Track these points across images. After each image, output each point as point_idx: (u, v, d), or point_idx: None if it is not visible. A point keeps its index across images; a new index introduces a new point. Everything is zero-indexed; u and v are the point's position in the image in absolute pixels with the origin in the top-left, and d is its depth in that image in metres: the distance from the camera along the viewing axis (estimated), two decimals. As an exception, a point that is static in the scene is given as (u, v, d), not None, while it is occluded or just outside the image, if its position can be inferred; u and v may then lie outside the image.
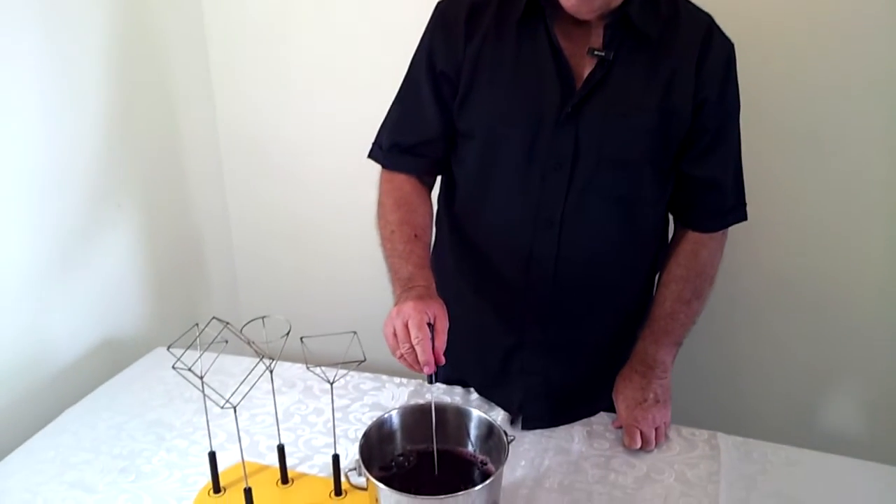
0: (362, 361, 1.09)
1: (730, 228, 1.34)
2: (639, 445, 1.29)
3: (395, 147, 1.33)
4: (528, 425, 1.35)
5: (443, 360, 1.08)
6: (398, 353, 1.10)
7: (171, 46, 1.84)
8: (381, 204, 1.34)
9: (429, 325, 1.08)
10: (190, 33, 1.91)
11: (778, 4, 1.53)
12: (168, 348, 1.07)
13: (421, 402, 1.40)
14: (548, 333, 1.32)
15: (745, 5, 1.53)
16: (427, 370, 1.06)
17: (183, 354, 1.06)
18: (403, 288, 1.18)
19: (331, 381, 1.12)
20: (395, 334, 1.10)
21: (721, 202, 1.29)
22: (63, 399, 1.47)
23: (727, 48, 1.21)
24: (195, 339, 1.08)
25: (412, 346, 1.07)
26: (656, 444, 1.30)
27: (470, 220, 1.33)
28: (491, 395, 1.42)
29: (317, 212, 2.04)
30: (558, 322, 1.31)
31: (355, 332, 1.15)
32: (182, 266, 1.98)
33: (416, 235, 1.27)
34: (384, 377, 1.52)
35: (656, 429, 1.31)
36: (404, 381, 1.51)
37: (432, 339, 1.08)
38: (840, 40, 1.52)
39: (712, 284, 1.35)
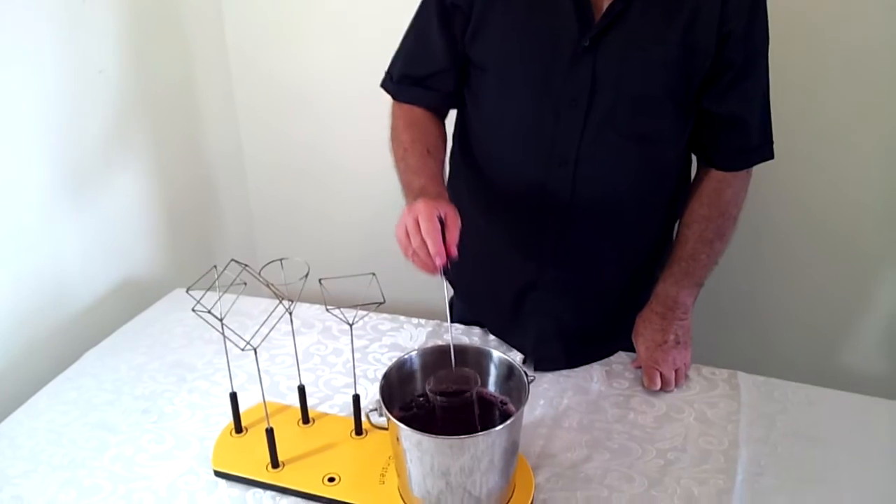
0: (381, 303, 1.08)
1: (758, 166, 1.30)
2: (658, 387, 1.29)
3: (405, 78, 1.31)
4: (541, 366, 1.35)
5: (455, 253, 1.06)
6: (410, 251, 1.08)
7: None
8: (393, 128, 1.32)
9: (440, 220, 1.06)
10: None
11: None
12: (187, 290, 1.06)
13: (440, 342, 1.41)
14: (560, 273, 1.31)
15: None
16: (439, 261, 1.04)
17: (202, 297, 1.05)
18: (415, 196, 1.15)
19: (350, 322, 1.11)
20: (406, 234, 1.08)
21: (745, 140, 1.25)
22: (83, 341, 1.48)
23: None
24: (214, 282, 1.08)
25: (423, 241, 1.05)
26: (676, 385, 1.30)
27: (484, 156, 1.31)
28: (504, 336, 1.42)
29: (332, 147, 2.02)
30: (571, 261, 1.30)
31: (374, 274, 1.14)
32: (198, 206, 1.97)
33: (428, 151, 1.25)
34: (402, 318, 1.52)
35: (676, 370, 1.30)
36: (422, 321, 1.51)
37: (443, 234, 1.06)
38: None
39: (735, 224, 1.32)
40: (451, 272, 1.08)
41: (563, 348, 1.36)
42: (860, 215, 1.66)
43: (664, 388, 1.30)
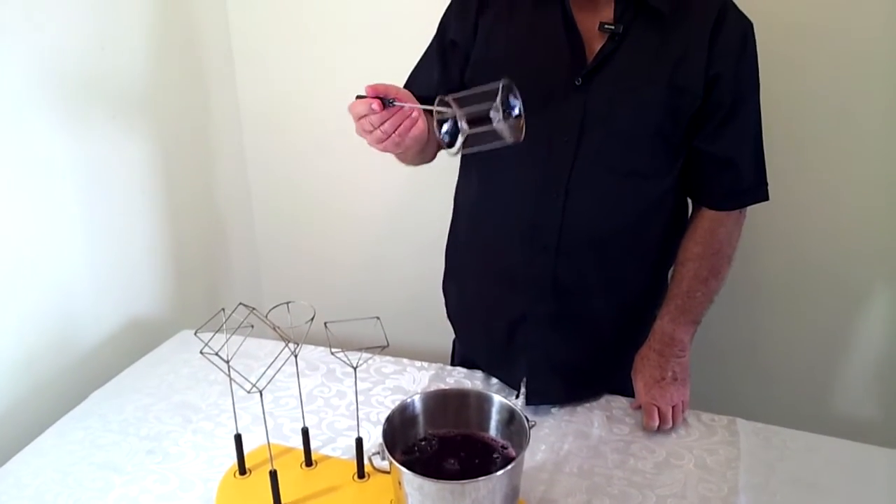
0: (385, 347, 1.10)
1: (754, 206, 1.33)
2: (657, 423, 1.30)
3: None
4: (533, 400, 1.35)
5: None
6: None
7: (197, 29, 1.86)
8: None
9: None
10: (214, 14, 1.92)
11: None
12: (195, 333, 1.08)
13: (443, 386, 1.42)
14: (552, 307, 1.32)
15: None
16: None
17: (210, 339, 1.07)
18: None
19: (354, 365, 1.13)
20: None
21: (737, 181, 1.28)
22: (90, 381, 1.50)
23: (743, 25, 1.21)
24: (222, 325, 1.10)
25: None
26: (674, 423, 1.31)
27: (479, 190, 1.35)
28: (497, 371, 1.44)
29: (338, 194, 2.05)
30: (562, 295, 1.31)
31: (378, 318, 1.16)
32: (207, 249, 2.00)
33: None
34: (405, 361, 1.54)
35: (673, 407, 1.31)
36: (425, 365, 1.53)
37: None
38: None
39: (730, 263, 1.34)
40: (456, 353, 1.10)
41: (555, 383, 1.37)
42: (857, 264, 1.68)
43: (662, 424, 1.30)
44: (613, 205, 1.26)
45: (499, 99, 1.02)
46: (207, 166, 1.97)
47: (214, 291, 2.04)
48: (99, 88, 1.55)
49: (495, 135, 1.05)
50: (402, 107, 1.07)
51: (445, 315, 1.55)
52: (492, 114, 1.04)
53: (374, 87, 1.05)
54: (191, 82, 1.86)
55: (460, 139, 1.04)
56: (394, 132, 1.08)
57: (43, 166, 1.44)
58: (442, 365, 1.52)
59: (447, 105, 1.04)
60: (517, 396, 1.35)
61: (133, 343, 1.67)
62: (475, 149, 1.06)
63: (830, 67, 1.55)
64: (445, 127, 1.07)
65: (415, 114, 1.08)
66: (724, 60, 1.19)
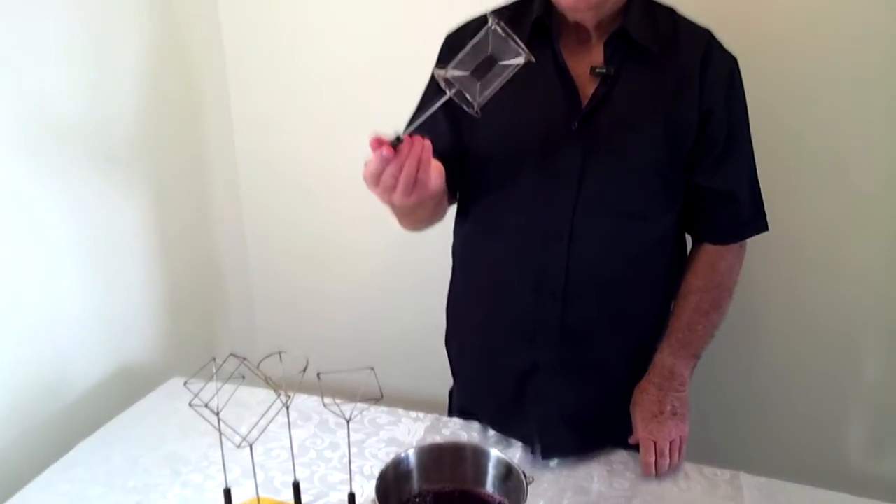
0: (379, 399, 1.08)
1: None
2: (653, 459, 1.28)
3: None
4: (548, 454, 1.33)
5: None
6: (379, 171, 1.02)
7: (193, 71, 1.87)
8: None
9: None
10: (209, 49, 1.93)
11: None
12: (185, 384, 1.06)
13: (439, 438, 1.39)
14: (561, 355, 1.30)
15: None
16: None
17: (200, 391, 1.05)
18: None
19: (347, 418, 1.10)
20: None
21: (736, 214, 1.30)
22: (78, 429, 1.46)
23: (729, 62, 1.23)
24: (213, 376, 1.07)
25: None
26: (671, 458, 1.29)
27: (482, 241, 1.34)
28: (506, 427, 1.41)
29: (334, 232, 2.04)
30: (571, 341, 1.29)
31: (372, 368, 1.14)
32: (199, 294, 1.98)
33: None
34: (400, 411, 1.51)
35: (671, 443, 1.29)
36: (420, 415, 1.49)
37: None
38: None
39: (731, 297, 1.34)
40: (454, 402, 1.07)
41: (569, 434, 1.35)
42: (857, 313, 1.66)
43: (659, 459, 1.28)
44: (618, 246, 1.26)
45: (489, 45, 0.97)
46: (202, 210, 1.96)
47: (207, 338, 2.01)
48: (92, 132, 1.55)
49: (505, 69, 0.98)
50: (412, 139, 0.99)
51: (441, 364, 1.53)
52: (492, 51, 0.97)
53: (376, 138, 0.99)
54: (186, 127, 1.86)
55: (480, 91, 0.98)
56: (400, 174, 1.00)
57: (32, 210, 1.43)
58: (438, 416, 1.49)
59: (454, 81, 0.99)
60: (532, 451, 1.33)
61: (122, 390, 1.64)
62: (494, 88, 0.99)
63: (828, 118, 1.55)
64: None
65: (425, 152, 1.01)
66: (715, 95, 1.20)
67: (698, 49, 1.21)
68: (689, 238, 1.39)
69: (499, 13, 1.28)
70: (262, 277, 2.16)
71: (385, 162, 0.99)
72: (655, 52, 1.19)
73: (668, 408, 1.31)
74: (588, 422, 1.36)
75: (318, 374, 1.09)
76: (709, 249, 1.33)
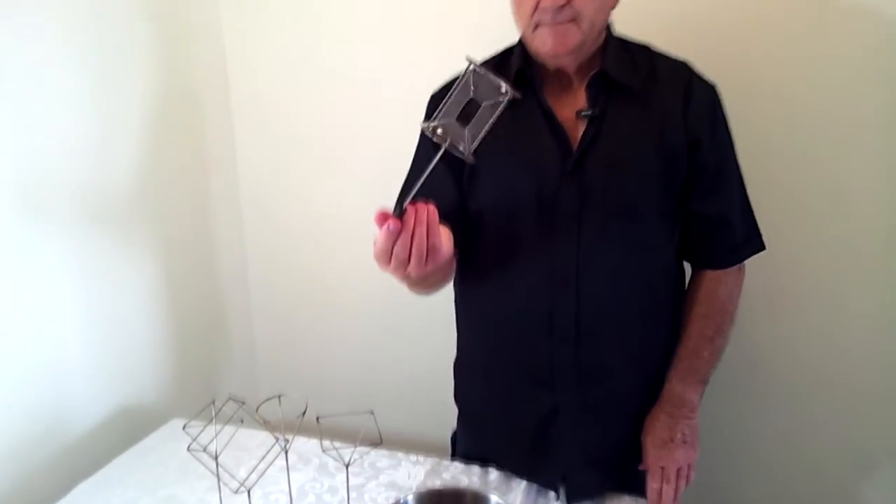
0: (378, 444, 1.07)
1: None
2: (659, 486, 1.30)
3: None
4: (574, 498, 1.33)
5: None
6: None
7: (199, 109, 1.89)
8: None
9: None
10: (215, 95, 1.95)
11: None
12: (184, 427, 1.06)
13: (439, 482, 1.38)
14: (581, 395, 1.30)
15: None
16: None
17: (199, 435, 1.05)
18: None
19: (347, 462, 1.10)
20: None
21: (732, 237, 1.32)
22: (78, 470, 1.46)
23: (709, 90, 1.27)
24: (212, 419, 1.07)
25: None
26: (678, 485, 1.30)
27: (488, 294, 1.34)
28: (529, 474, 1.39)
29: (336, 275, 2.04)
30: (589, 381, 1.30)
31: (372, 412, 1.14)
32: (200, 336, 1.97)
33: None
34: (400, 455, 1.49)
35: (678, 469, 1.30)
36: (420, 458, 1.48)
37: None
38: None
39: (733, 321, 1.36)
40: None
41: (592, 474, 1.35)
42: (858, 364, 1.64)
43: (664, 483, 1.29)
44: (625, 280, 1.27)
45: (471, 88, 0.95)
46: (205, 252, 1.96)
47: (209, 378, 2.01)
48: (95, 178, 1.57)
49: (491, 110, 0.96)
50: (417, 206, 0.96)
51: (441, 406, 1.52)
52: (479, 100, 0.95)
53: (381, 213, 0.95)
54: (190, 170, 1.88)
55: (469, 136, 0.96)
56: (412, 245, 0.97)
57: (34, 250, 1.43)
58: (438, 459, 1.48)
59: (443, 131, 0.97)
60: (557, 497, 1.33)
61: (123, 431, 1.63)
62: (484, 131, 0.97)
63: (828, 150, 1.56)
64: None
65: (432, 216, 0.98)
66: (700, 125, 1.24)
67: (678, 82, 1.25)
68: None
69: (483, 66, 1.32)
70: (264, 319, 2.16)
71: (394, 235, 0.96)
72: (637, 90, 1.22)
73: (679, 435, 1.31)
74: (611, 459, 1.36)
75: (318, 418, 1.09)
76: (708, 276, 1.35)
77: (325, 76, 1.88)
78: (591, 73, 1.22)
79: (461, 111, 0.96)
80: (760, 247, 1.35)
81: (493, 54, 1.32)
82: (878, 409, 1.65)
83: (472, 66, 0.94)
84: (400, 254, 0.97)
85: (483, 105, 0.95)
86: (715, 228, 1.31)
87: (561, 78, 1.26)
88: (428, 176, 1.16)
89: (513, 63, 1.26)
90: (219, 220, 1.99)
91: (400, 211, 0.95)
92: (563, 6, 1.13)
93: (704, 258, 1.35)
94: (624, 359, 1.31)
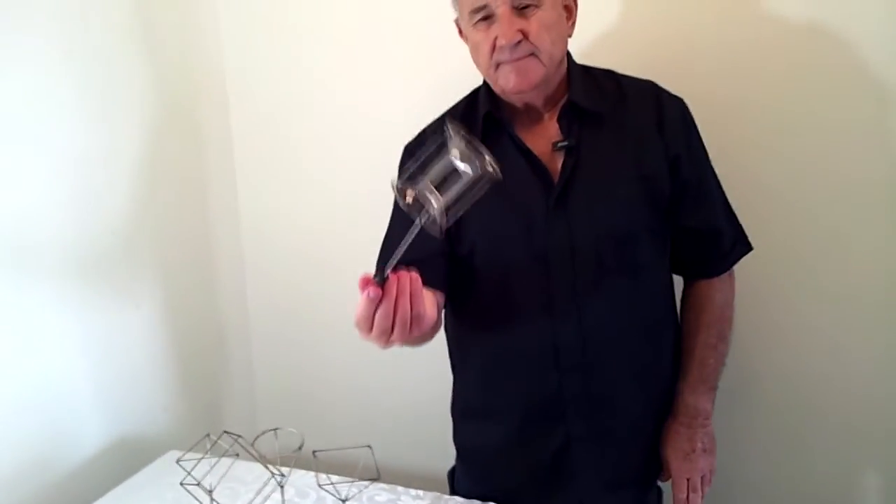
0: (376, 479, 1.06)
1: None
2: (685, 496, 1.35)
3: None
4: None
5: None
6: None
7: (199, 136, 1.89)
8: None
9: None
10: (215, 120, 1.95)
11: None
12: (178, 461, 1.04)
13: (437, 518, 1.36)
14: (593, 423, 1.30)
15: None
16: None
17: (193, 468, 1.03)
18: None
19: (343, 498, 1.08)
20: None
21: (722, 244, 1.34)
22: (72, 503, 1.44)
23: (679, 106, 1.29)
24: (206, 452, 1.06)
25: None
26: (702, 492, 1.36)
27: (487, 334, 1.34)
28: None
29: (337, 305, 2.00)
30: (600, 408, 1.30)
31: (370, 446, 1.12)
32: (199, 363, 1.95)
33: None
34: (399, 489, 1.46)
35: (702, 477, 1.35)
36: (420, 493, 1.45)
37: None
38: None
39: (732, 325, 1.39)
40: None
41: (611, 499, 1.35)
42: (860, 403, 1.60)
43: (691, 493, 1.34)
44: (625, 304, 1.27)
45: (454, 151, 0.90)
46: (203, 281, 1.95)
47: (207, 409, 1.98)
48: (96, 203, 1.56)
49: (474, 185, 0.91)
50: (399, 274, 0.93)
51: (441, 438, 1.50)
52: (457, 164, 0.90)
53: (364, 278, 0.93)
54: (190, 199, 1.88)
55: (438, 212, 0.90)
56: (395, 314, 0.94)
57: (28, 279, 1.42)
58: (438, 494, 1.45)
59: (413, 199, 0.92)
60: None
61: (119, 462, 1.60)
62: (460, 210, 0.93)
63: (828, 201, 1.54)
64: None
65: (415, 284, 0.95)
66: (676, 141, 1.26)
67: (648, 101, 1.27)
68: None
69: (451, 113, 1.34)
70: (263, 348, 2.13)
71: (374, 303, 0.93)
72: (607, 115, 1.24)
73: (699, 445, 1.34)
74: (629, 481, 1.37)
75: (314, 453, 1.08)
76: (703, 285, 1.37)
77: (327, 97, 1.88)
78: (560, 104, 1.25)
79: (436, 176, 0.91)
80: (749, 247, 1.37)
81: (459, 101, 1.35)
82: (872, 411, 1.61)
83: (450, 131, 0.91)
84: (382, 323, 0.94)
85: (462, 179, 0.90)
86: (705, 239, 1.33)
87: (530, 112, 1.27)
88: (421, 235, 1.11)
89: (479, 106, 1.28)
90: (218, 247, 1.98)
91: (382, 277, 0.91)
92: (519, 42, 1.16)
93: (698, 269, 1.38)
94: (632, 380, 1.32)
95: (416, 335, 0.99)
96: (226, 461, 1.07)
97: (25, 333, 1.42)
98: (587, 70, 1.31)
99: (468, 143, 0.91)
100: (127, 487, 1.49)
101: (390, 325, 0.94)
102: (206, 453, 1.05)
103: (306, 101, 1.90)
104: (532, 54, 1.17)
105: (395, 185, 0.94)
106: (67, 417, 1.52)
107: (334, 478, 1.23)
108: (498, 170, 0.90)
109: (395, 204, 1.32)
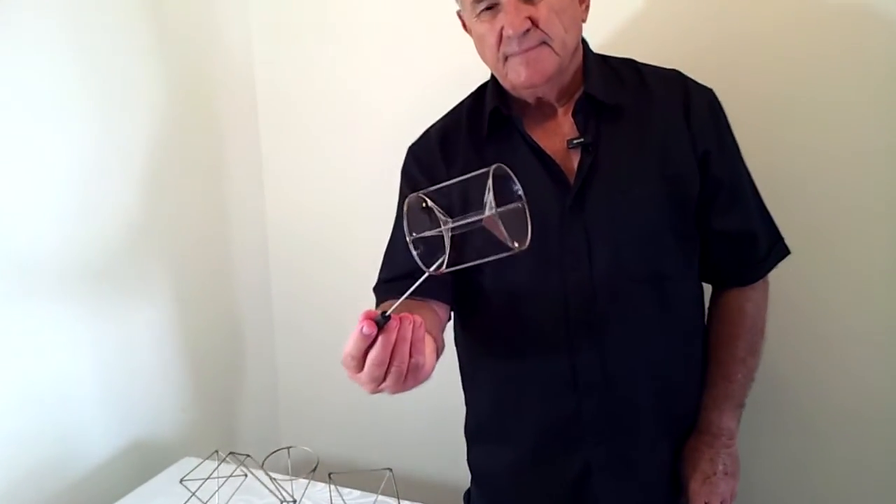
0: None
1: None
2: None
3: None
4: None
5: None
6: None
7: (224, 129, 1.83)
8: None
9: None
10: (242, 113, 1.89)
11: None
12: (181, 481, 0.96)
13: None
14: (613, 447, 1.19)
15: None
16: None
17: (198, 489, 0.95)
18: None
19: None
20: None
21: (757, 249, 1.22)
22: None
23: (708, 96, 1.18)
24: (212, 473, 0.98)
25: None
26: None
27: (501, 352, 1.24)
28: None
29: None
30: (621, 430, 1.19)
31: (390, 469, 1.04)
32: (219, 370, 1.87)
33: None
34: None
35: (722, 501, 1.23)
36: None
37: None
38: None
39: (764, 337, 1.26)
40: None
41: None
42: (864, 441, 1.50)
43: None
44: (649, 316, 1.16)
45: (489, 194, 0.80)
46: (223, 276, 1.88)
47: (226, 412, 1.90)
48: (111, 200, 1.50)
49: (490, 242, 0.82)
50: (402, 318, 0.82)
51: (455, 461, 1.41)
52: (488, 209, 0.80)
53: (367, 312, 0.83)
54: (210, 196, 1.81)
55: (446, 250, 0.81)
56: (389, 361, 0.83)
57: (42, 279, 1.37)
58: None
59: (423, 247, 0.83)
60: None
61: (133, 468, 1.55)
62: (464, 265, 0.84)
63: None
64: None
65: (418, 331, 0.85)
66: (705, 135, 1.15)
67: (674, 92, 1.16)
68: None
69: (458, 111, 1.26)
70: (287, 349, 2.06)
71: (367, 340, 0.82)
72: (628, 107, 1.14)
73: (720, 467, 1.23)
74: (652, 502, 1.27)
75: (330, 475, 0.99)
76: (733, 295, 1.25)
77: (355, 90, 1.81)
78: (576, 97, 1.14)
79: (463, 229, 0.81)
80: (784, 252, 1.24)
81: (465, 97, 1.26)
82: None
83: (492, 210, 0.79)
84: (374, 371, 0.83)
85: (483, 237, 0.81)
86: (739, 244, 1.21)
87: (543, 108, 1.17)
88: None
89: (487, 102, 1.19)
90: (237, 241, 1.91)
91: (383, 317, 0.80)
92: (528, 30, 1.05)
93: (730, 277, 1.25)
94: (655, 399, 1.20)
95: (412, 385, 0.88)
96: (235, 480, 0.99)
97: (35, 334, 1.36)
98: (605, 59, 1.20)
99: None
100: (138, 496, 1.44)
101: (383, 374, 0.84)
102: (213, 473, 0.98)
103: (334, 96, 1.84)
104: (543, 43, 1.06)
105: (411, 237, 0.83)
106: (78, 421, 1.46)
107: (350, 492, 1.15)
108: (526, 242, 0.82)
109: (399, 206, 1.25)
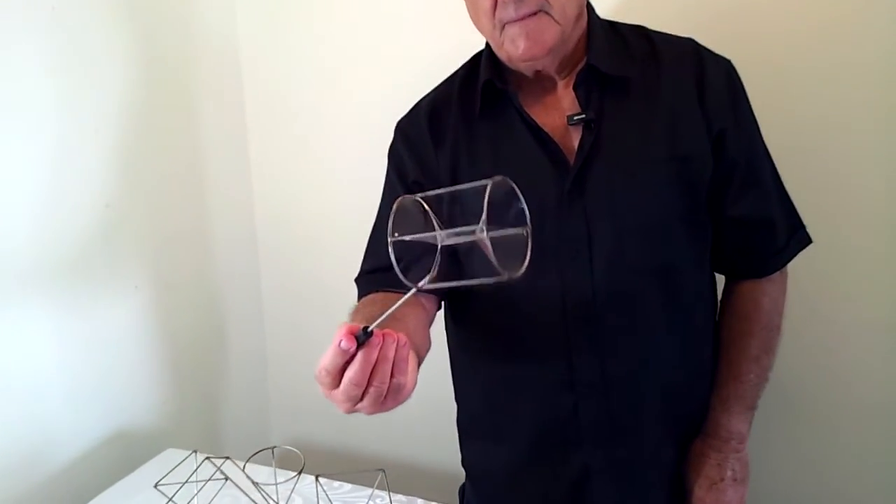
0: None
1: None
2: None
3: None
4: None
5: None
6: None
7: (207, 115, 1.75)
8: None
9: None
10: (227, 97, 1.82)
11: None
12: (156, 486, 0.89)
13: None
14: (613, 451, 1.11)
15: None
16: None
17: (175, 494, 0.88)
18: None
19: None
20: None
21: (776, 237, 1.12)
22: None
23: (725, 68, 1.08)
24: (187, 479, 0.91)
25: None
26: None
27: (494, 345, 1.15)
28: None
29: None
30: (621, 432, 1.10)
31: (383, 470, 0.96)
32: (203, 356, 1.79)
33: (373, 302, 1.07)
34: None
35: None
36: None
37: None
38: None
39: (780, 333, 1.17)
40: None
41: None
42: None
43: None
44: (654, 311, 1.07)
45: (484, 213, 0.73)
46: (205, 261, 1.79)
47: (210, 404, 1.82)
48: (82, 188, 1.42)
49: (483, 264, 0.76)
50: (385, 335, 0.75)
51: (450, 454, 1.34)
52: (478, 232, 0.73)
53: (347, 326, 0.76)
54: (191, 180, 1.73)
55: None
56: (368, 381, 0.76)
57: (13, 271, 1.29)
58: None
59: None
60: None
61: (113, 460, 1.48)
62: (450, 283, 0.78)
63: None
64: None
65: (401, 350, 0.78)
66: (722, 112, 1.05)
67: (686, 64, 1.05)
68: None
69: (451, 82, 1.17)
70: (276, 331, 1.99)
71: (344, 356, 0.75)
72: (635, 79, 1.04)
73: (728, 473, 1.15)
74: None
75: (317, 477, 0.92)
76: (747, 288, 1.16)
77: (345, 81, 1.75)
78: (577, 69, 1.04)
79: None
80: (806, 241, 1.15)
81: (458, 68, 1.17)
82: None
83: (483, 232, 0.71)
84: (351, 390, 0.76)
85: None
86: (755, 231, 1.11)
87: (542, 80, 1.07)
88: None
89: (480, 73, 1.09)
90: (221, 226, 1.83)
91: (365, 333, 0.73)
92: None
93: (745, 267, 1.16)
94: (659, 399, 1.12)
95: (391, 406, 0.80)
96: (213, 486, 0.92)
97: (6, 326, 1.29)
98: (613, 26, 1.10)
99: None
100: (118, 490, 1.38)
101: (360, 394, 0.76)
102: (188, 479, 0.90)
103: (323, 86, 1.77)
104: (542, 10, 0.97)
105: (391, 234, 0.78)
106: (58, 412, 1.40)
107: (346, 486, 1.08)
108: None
109: (380, 205, 1.18)
